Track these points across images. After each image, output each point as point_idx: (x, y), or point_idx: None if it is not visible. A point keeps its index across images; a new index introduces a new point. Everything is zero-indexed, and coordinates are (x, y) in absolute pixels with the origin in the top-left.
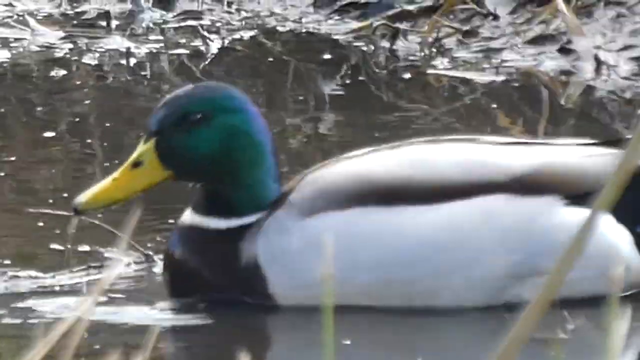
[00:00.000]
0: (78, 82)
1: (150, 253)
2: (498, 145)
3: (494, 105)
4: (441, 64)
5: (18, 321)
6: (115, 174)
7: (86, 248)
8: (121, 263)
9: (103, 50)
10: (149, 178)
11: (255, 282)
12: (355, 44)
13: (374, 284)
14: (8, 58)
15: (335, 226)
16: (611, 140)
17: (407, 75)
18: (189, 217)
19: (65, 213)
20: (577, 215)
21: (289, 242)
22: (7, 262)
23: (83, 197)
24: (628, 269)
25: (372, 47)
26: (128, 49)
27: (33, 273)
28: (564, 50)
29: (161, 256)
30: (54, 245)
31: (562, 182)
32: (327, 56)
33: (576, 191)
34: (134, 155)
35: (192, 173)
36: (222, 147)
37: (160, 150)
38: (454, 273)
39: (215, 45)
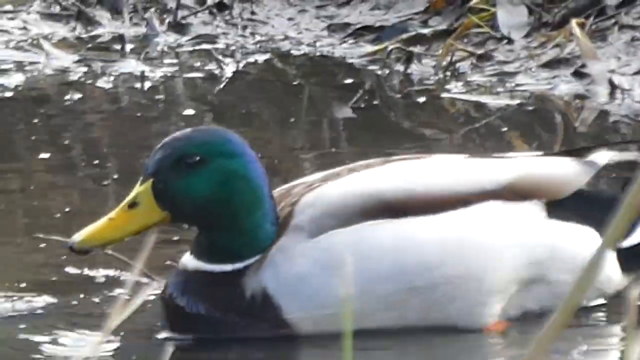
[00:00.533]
0: (92, 106)
1: (159, 279)
2: (479, 158)
3: (508, 129)
4: (455, 88)
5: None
6: (112, 214)
7: (100, 274)
8: (140, 296)
9: (117, 73)
10: (145, 219)
11: (267, 312)
12: (370, 67)
13: (393, 293)
14: (22, 82)
15: (346, 242)
16: (575, 150)
17: (422, 99)
18: (190, 261)
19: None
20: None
21: (299, 266)
22: (22, 286)
23: (79, 236)
24: (608, 281)
25: (387, 71)
26: (142, 72)
27: (49, 299)
28: (578, 74)
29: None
30: (66, 271)
31: (542, 189)
32: (341, 80)
33: (555, 197)
34: (131, 195)
35: (189, 216)
36: (220, 191)
37: (157, 192)
38: (468, 276)
39: (229, 69)
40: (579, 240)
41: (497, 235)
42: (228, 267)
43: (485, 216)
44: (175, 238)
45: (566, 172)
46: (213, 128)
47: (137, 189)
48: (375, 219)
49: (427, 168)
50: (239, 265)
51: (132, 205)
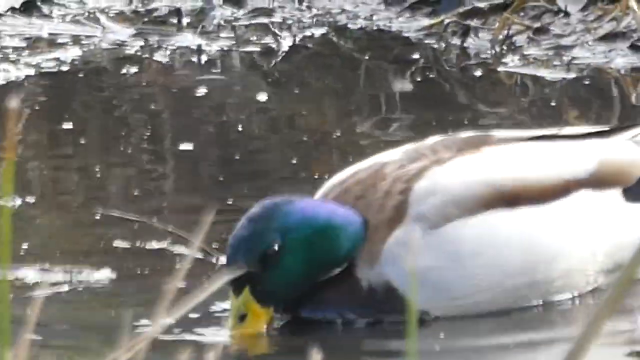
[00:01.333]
0: (149, 80)
1: (216, 254)
2: (561, 140)
3: (565, 103)
4: (512, 61)
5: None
6: (230, 333)
7: (160, 249)
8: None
9: (174, 47)
10: (258, 325)
11: (391, 304)
12: (426, 41)
13: (520, 287)
14: (79, 56)
15: (473, 234)
16: (624, 126)
17: (478, 73)
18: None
19: (134, 217)
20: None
21: (426, 258)
22: (82, 259)
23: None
24: None
25: (443, 45)
26: (199, 46)
27: (108, 273)
28: (635, 48)
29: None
30: (126, 246)
31: (619, 175)
32: (398, 54)
33: (631, 182)
34: (234, 311)
35: (294, 296)
36: (311, 260)
37: (257, 295)
38: (577, 269)
39: (286, 43)
40: None
41: (595, 226)
42: (338, 269)
43: (584, 206)
44: (231, 217)
45: (635, 156)
46: (266, 206)
47: (235, 301)
48: (493, 208)
49: (530, 154)
50: (345, 264)
51: (241, 318)
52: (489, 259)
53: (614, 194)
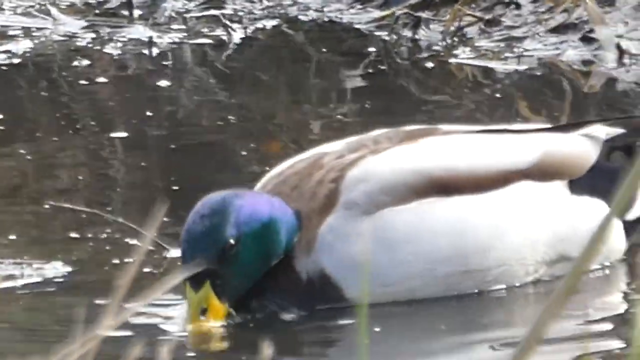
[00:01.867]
0: (100, 72)
1: (169, 248)
2: (504, 134)
3: (516, 95)
4: (463, 53)
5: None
6: (189, 326)
7: (110, 242)
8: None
9: (125, 39)
10: (219, 318)
11: (327, 292)
12: (378, 33)
13: (452, 274)
14: (30, 48)
15: (404, 221)
16: (576, 123)
17: (430, 65)
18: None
19: (84, 209)
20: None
21: (357, 245)
22: (30, 254)
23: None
24: (613, 248)
25: (395, 37)
26: (150, 38)
27: (59, 266)
28: (586, 39)
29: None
30: (76, 238)
31: (564, 168)
32: (349, 46)
33: (577, 175)
34: (194, 305)
35: (249, 285)
36: (262, 254)
37: (217, 290)
38: (515, 256)
39: (237, 35)
40: (595, 216)
41: (535, 217)
42: (276, 260)
43: (525, 197)
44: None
45: (583, 149)
46: (215, 201)
47: (194, 295)
48: (426, 196)
49: (467, 145)
50: (281, 257)
51: (203, 312)
52: (420, 246)
53: (558, 186)
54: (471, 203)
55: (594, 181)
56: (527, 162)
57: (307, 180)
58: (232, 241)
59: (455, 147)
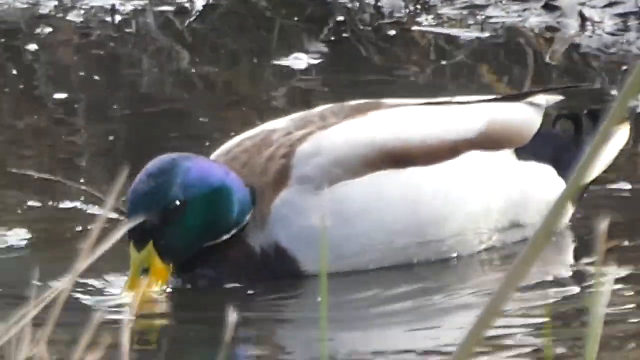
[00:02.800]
0: (63, 39)
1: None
2: (449, 105)
3: (479, 62)
4: (426, 21)
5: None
6: (130, 285)
7: (73, 209)
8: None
9: (88, 7)
10: (162, 277)
11: (282, 265)
12: (340, 0)
13: (409, 246)
14: None
15: (359, 194)
16: (518, 94)
17: (392, 32)
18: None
19: (47, 176)
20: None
21: (312, 218)
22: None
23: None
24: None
25: (357, 4)
26: (113, 5)
27: (21, 233)
28: (549, 7)
29: None
30: (39, 206)
31: (510, 136)
32: (312, 13)
33: (523, 142)
34: (136, 264)
35: (193, 250)
36: (210, 215)
37: (160, 249)
38: (470, 225)
39: (200, 2)
40: (545, 182)
41: (487, 185)
42: (225, 237)
43: (475, 166)
44: None
45: (527, 117)
46: (164, 161)
47: (137, 254)
48: (378, 168)
49: (416, 117)
50: (233, 231)
51: (144, 271)
52: (375, 218)
53: (506, 154)
54: (424, 174)
55: (540, 148)
56: (474, 132)
57: (257, 157)
58: (177, 202)
59: (405, 120)
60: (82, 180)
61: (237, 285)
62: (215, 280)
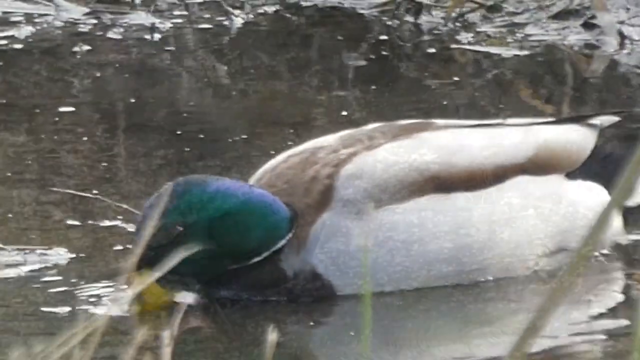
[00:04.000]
0: (103, 58)
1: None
2: (494, 126)
3: (518, 80)
4: (465, 39)
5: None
6: (129, 308)
7: (112, 227)
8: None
9: (127, 25)
10: (156, 303)
11: (317, 291)
12: (380, 18)
13: (451, 274)
14: (32, 33)
15: (401, 220)
16: (571, 117)
17: (432, 50)
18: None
19: (87, 194)
20: (585, 190)
21: (352, 244)
22: (34, 238)
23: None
24: (613, 234)
25: (396, 22)
26: (152, 24)
27: (61, 252)
28: (588, 25)
29: None
30: (79, 224)
31: (561, 160)
32: (351, 31)
33: (573, 166)
34: (135, 287)
35: (215, 271)
36: (214, 244)
37: (179, 269)
38: (516, 251)
39: (238, 20)
40: (595, 205)
41: (534, 212)
42: (257, 259)
43: (523, 192)
44: None
45: (579, 140)
46: (177, 184)
47: (138, 278)
48: (423, 193)
49: (463, 140)
50: (266, 254)
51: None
52: (418, 245)
53: (555, 178)
54: (469, 200)
55: (592, 168)
56: (523, 156)
57: (301, 175)
58: (179, 227)
59: (452, 143)
60: (122, 200)
61: (265, 306)
62: (238, 301)
